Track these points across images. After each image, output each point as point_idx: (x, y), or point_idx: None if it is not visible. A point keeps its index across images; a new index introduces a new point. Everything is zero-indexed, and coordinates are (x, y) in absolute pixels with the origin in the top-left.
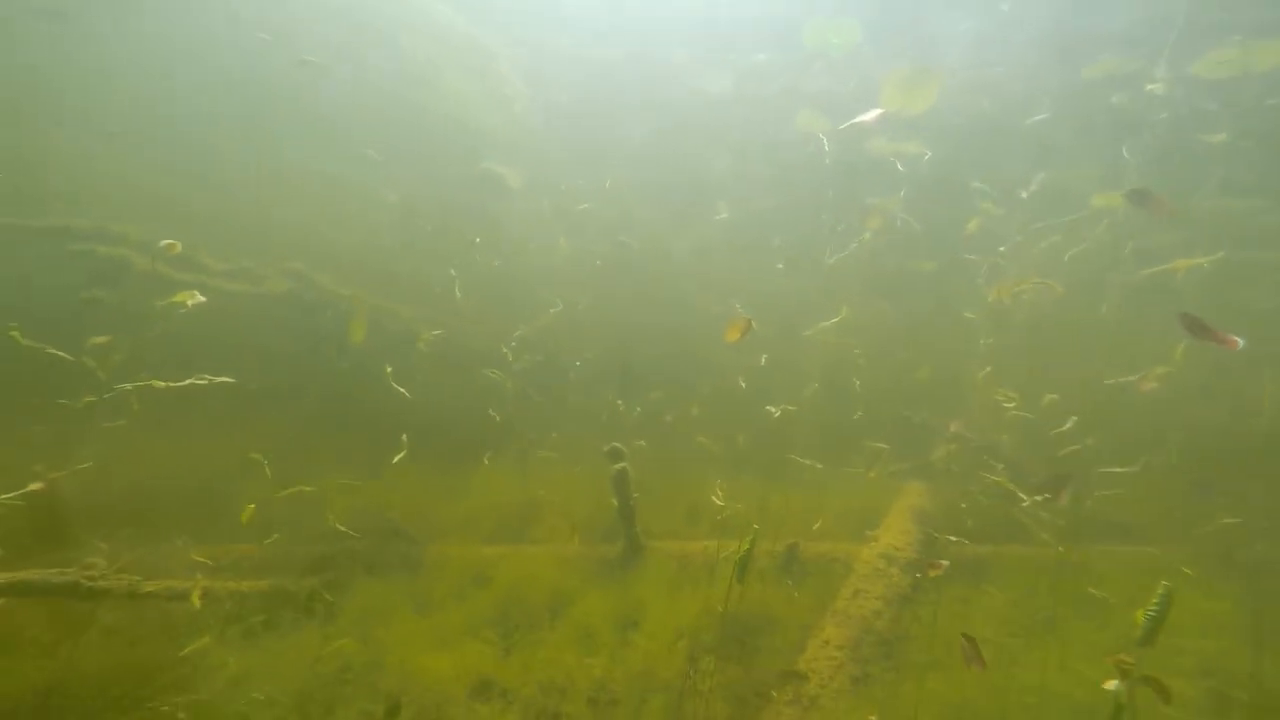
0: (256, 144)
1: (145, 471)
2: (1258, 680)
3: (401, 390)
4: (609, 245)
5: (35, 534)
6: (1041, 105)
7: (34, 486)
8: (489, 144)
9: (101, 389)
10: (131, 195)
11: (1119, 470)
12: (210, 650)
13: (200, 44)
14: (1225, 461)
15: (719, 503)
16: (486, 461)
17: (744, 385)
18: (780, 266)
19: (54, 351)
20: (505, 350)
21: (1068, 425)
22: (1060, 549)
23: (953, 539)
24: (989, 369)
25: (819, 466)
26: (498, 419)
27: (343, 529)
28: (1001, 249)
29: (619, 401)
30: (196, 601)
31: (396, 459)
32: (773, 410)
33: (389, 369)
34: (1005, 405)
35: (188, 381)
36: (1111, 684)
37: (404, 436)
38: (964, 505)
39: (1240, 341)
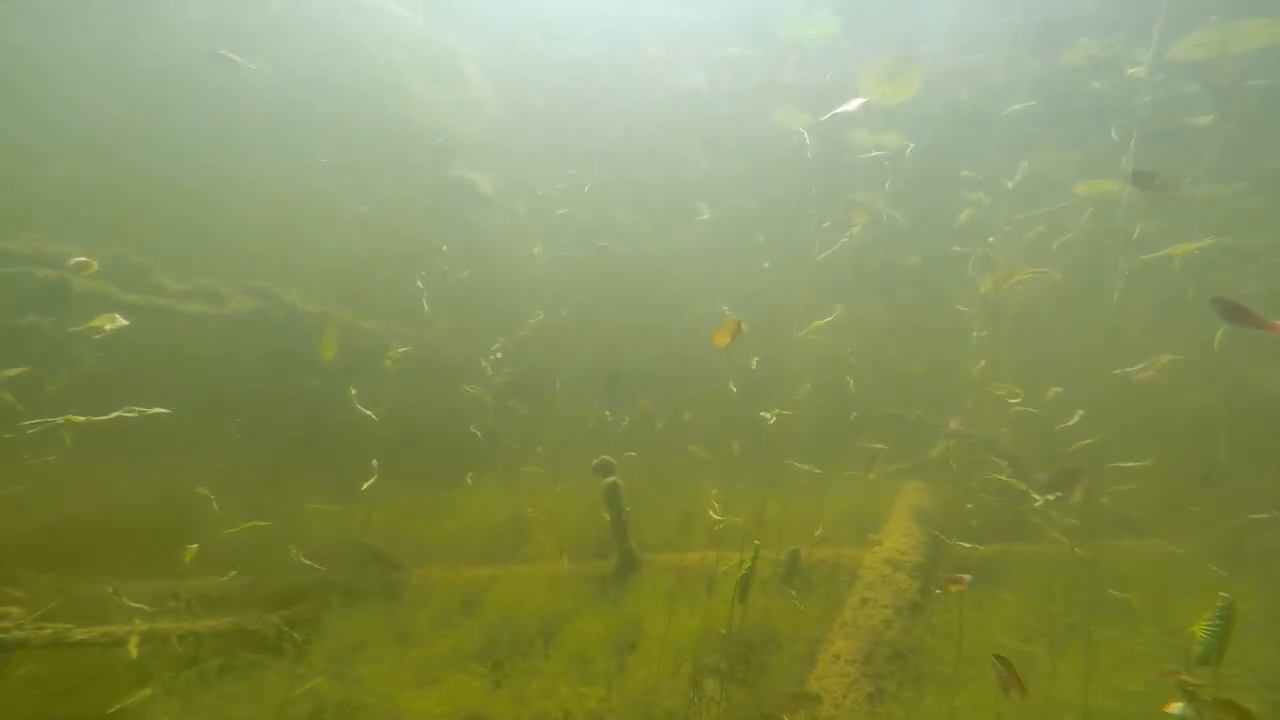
0: (219, 158)
1: (89, 508)
2: None
3: (367, 413)
4: (590, 250)
5: None
6: (1023, 92)
7: None
8: (459, 150)
9: (18, 423)
10: (81, 213)
11: (1130, 465)
12: (157, 699)
13: (158, 56)
14: (1226, 449)
15: (716, 516)
16: (469, 480)
17: (735, 390)
18: (767, 265)
19: None
20: (485, 364)
21: (1074, 420)
22: (1070, 546)
23: (966, 545)
24: (983, 363)
25: (817, 471)
26: (479, 435)
27: (306, 561)
28: (991, 239)
29: (606, 411)
30: (133, 650)
31: (366, 485)
32: (767, 416)
33: (353, 391)
34: (1009, 400)
35: (114, 415)
36: (1175, 707)
37: (374, 461)
38: (970, 505)
39: None
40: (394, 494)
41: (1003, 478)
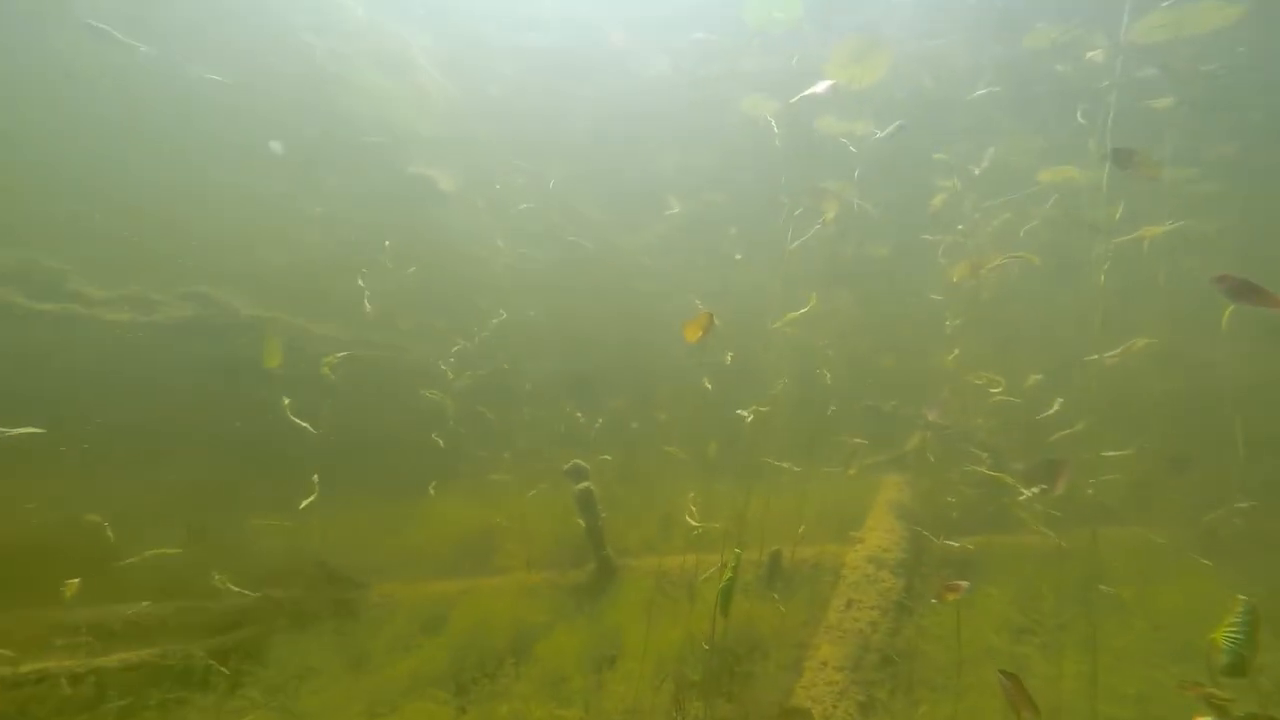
0: (159, 161)
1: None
2: None
3: (303, 424)
4: (557, 247)
5: None
6: (986, 77)
7: None
8: (414, 145)
9: None
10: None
11: (1112, 454)
12: None
13: (73, 50)
14: (1194, 436)
15: (694, 522)
16: (432, 491)
17: (710, 387)
18: (739, 257)
19: None
20: (444, 367)
21: (1054, 409)
22: (1056, 540)
23: (954, 544)
24: (956, 351)
25: (796, 469)
26: (441, 443)
27: (234, 587)
28: (960, 227)
29: (578, 413)
30: None
31: (305, 504)
32: (744, 414)
33: (286, 400)
34: (990, 390)
35: None
36: None
37: (314, 477)
38: (951, 499)
39: None
40: (353, 507)
41: (983, 470)
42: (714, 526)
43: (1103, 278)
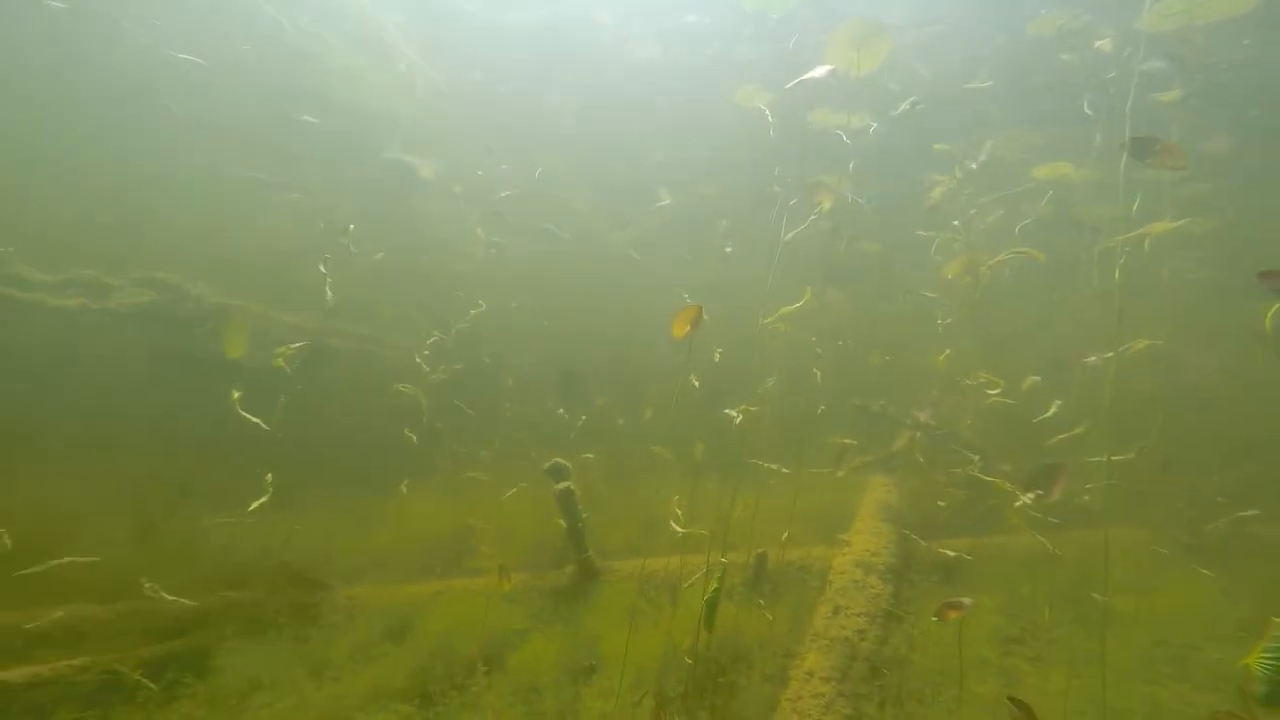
0: (127, 146)
1: None
2: None
3: (255, 420)
4: (540, 237)
5: None
6: (988, 65)
7: None
8: (392, 130)
9: None
10: None
11: (1111, 459)
12: None
13: (29, 24)
14: (1177, 437)
15: (679, 528)
16: (404, 489)
17: (697, 385)
18: (729, 250)
19: None
20: (419, 360)
21: (1050, 411)
22: (1051, 548)
23: (949, 552)
24: (948, 351)
25: (784, 471)
26: (415, 440)
27: (166, 596)
28: (956, 223)
29: (561, 410)
30: None
31: (255, 506)
32: (733, 414)
33: (236, 395)
34: (978, 389)
35: None
36: None
37: (268, 476)
38: (942, 503)
39: None
40: (321, 504)
41: (974, 472)
42: (700, 534)
43: (1117, 274)
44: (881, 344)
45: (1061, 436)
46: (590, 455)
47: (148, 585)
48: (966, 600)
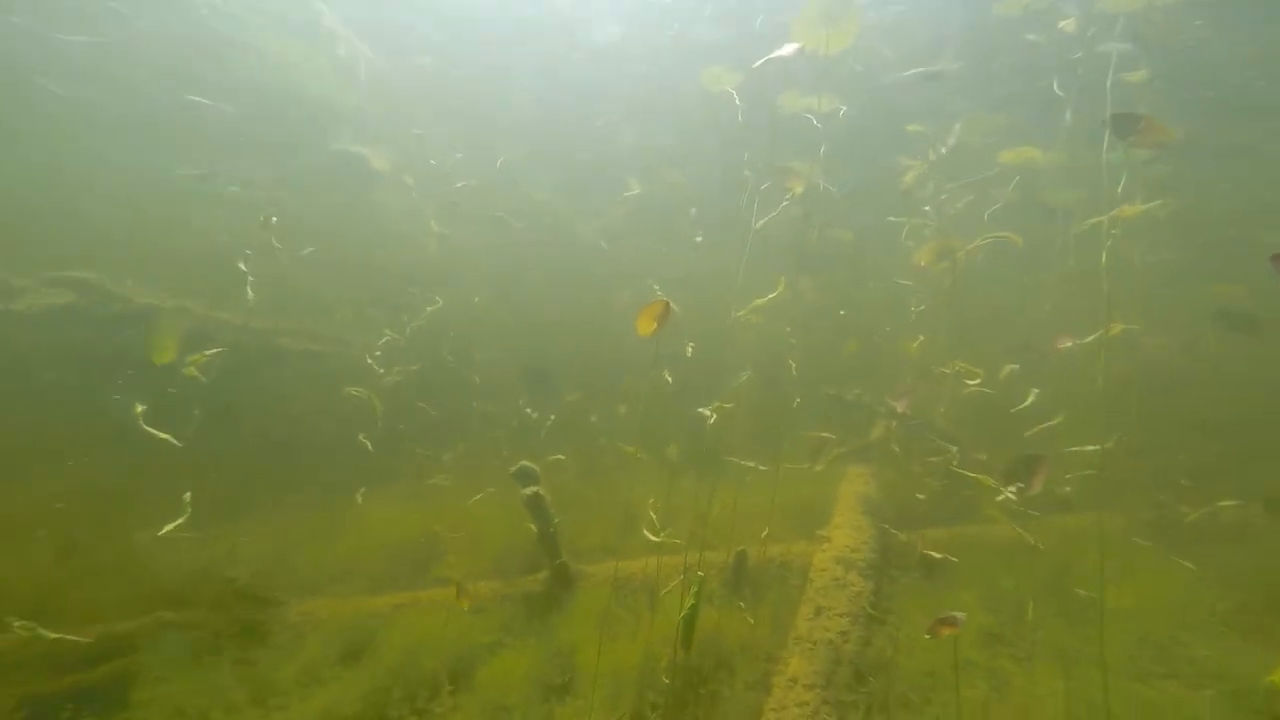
0: (44, 143)
1: None
2: None
3: (164, 436)
4: (500, 229)
5: None
6: (952, 46)
7: None
8: (337, 120)
9: None
10: None
11: (1089, 449)
12: None
13: None
14: (1142, 420)
15: (653, 537)
16: (359, 499)
17: (670, 380)
18: (699, 239)
19: None
20: (371, 361)
21: (1029, 400)
22: (1033, 541)
23: (933, 555)
24: (921, 338)
25: (761, 468)
26: (370, 446)
27: (47, 634)
28: (926, 208)
29: (529, 409)
30: None
31: (168, 529)
32: (706, 412)
33: (140, 409)
34: (952, 376)
35: None
36: None
37: (186, 496)
38: (921, 496)
39: None
40: (272, 515)
41: (950, 463)
42: (675, 541)
43: (1104, 257)
44: (855, 331)
45: (1040, 427)
46: (561, 456)
47: (19, 624)
48: (960, 615)
